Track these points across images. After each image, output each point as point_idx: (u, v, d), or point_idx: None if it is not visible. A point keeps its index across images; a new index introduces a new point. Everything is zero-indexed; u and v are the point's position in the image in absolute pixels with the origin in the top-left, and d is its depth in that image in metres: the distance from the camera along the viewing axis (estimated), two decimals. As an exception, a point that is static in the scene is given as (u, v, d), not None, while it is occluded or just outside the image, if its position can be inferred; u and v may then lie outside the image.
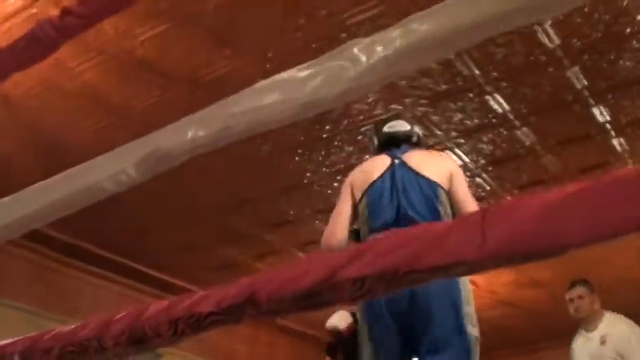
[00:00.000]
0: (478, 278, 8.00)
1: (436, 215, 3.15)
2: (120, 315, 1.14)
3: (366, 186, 3.28)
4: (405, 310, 3.04)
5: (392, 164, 3.29)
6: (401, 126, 3.48)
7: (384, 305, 3.07)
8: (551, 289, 8.28)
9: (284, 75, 1.10)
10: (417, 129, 3.57)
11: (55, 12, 1.52)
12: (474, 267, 0.84)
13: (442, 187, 3.21)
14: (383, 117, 4.09)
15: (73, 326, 1.23)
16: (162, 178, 5.14)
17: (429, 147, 5.47)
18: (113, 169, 1.31)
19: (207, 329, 1.04)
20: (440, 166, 3.31)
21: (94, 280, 7.19)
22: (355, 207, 3.31)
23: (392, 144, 3.42)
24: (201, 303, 1.04)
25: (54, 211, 1.36)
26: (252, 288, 0.99)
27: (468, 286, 3.14)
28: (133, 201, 6.26)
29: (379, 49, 1.00)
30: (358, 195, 3.30)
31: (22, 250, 6.64)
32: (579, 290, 5.42)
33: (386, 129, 3.48)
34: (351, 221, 3.32)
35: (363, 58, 1.01)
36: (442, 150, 5.62)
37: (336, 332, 4.60)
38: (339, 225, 3.27)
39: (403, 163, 3.28)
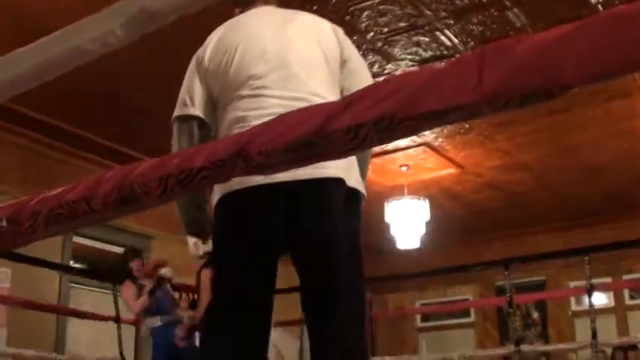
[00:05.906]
0: (465, 160, 8.04)
1: None
2: (109, 174, 1.12)
3: None
4: None
5: None
6: None
7: None
8: (537, 172, 8.35)
9: None
10: None
11: None
12: (470, 111, 0.81)
13: None
14: None
15: (60, 189, 1.21)
16: (163, 58, 4.99)
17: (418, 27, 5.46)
18: (100, 30, 1.27)
19: (198, 186, 1.03)
20: None
21: (85, 165, 7.16)
22: None
23: None
24: (191, 158, 1.02)
25: (42, 73, 1.32)
26: (243, 141, 0.97)
27: None
28: (129, 84, 6.15)
29: None
30: None
31: (13, 135, 6.61)
32: None
33: None
34: None
35: None
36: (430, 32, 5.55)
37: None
38: None
39: None
